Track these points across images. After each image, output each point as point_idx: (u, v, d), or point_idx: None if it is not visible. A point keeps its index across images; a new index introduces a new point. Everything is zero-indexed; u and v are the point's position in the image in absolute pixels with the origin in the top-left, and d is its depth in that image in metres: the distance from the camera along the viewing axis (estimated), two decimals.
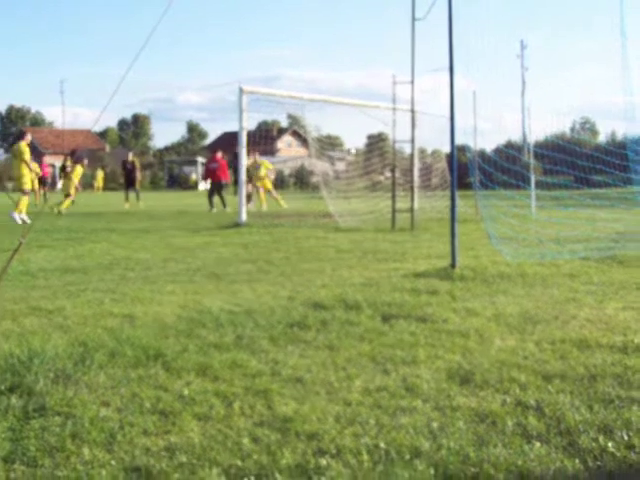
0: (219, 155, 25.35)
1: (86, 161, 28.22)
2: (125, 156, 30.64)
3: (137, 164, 29.92)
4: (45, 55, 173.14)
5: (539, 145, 20.43)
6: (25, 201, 18.19)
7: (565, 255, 9.88)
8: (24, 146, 18.81)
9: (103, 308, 6.67)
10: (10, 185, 62.70)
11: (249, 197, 23.15)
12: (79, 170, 23.56)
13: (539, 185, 18.12)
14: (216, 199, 24.15)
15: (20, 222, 17.45)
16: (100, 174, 57.73)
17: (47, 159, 54.95)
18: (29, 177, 18.68)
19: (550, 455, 3.23)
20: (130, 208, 26.42)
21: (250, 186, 23.94)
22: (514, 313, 6.22)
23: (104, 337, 5.32)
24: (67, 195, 22.87)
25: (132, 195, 28.79)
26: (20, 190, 18.14)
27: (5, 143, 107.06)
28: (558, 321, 5.94)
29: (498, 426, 3.58)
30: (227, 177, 25.18)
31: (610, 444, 3.32)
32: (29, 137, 19.99)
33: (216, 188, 24.37)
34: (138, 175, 29.79)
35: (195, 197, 29.08)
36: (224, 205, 23.79)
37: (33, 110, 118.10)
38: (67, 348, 4.95)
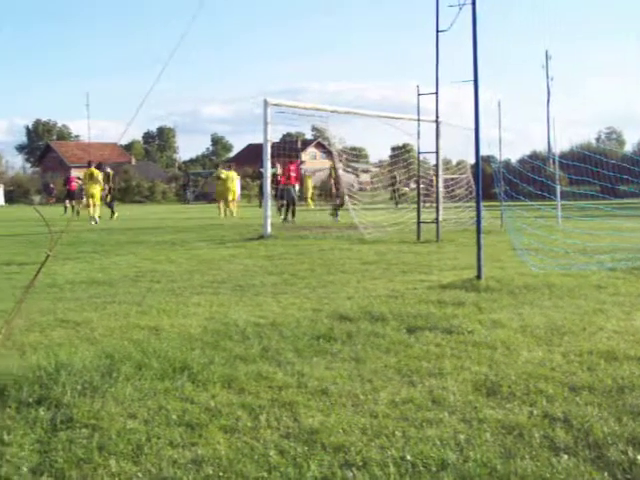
0: (294, 165, 23.90)
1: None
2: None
3: (111, 175, 28.23)
4: (71, 68, 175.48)
5: (564, 155, 20.34)
6: None
7: (592, 266, 9.80)
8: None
9: (129, 320, 6.71)
10: (37, 198, 63.45)
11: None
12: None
13: (565, 195, 18.01)
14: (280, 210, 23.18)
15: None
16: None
17: (74, 172, 55.55)
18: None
19: (578, 468, 3.20)
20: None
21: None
22: (541, 324, 6.17)
23: (130, 349, 5.34)
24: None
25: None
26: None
27: (32, 157, 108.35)
28: (585, 332, 5.89)
29: (525, 438, 3.55)
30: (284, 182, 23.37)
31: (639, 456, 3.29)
32: None
33: (285, 194, 23.14)
34: (108, 187, 27.74)
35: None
36: (291, 215, 22.99)
37: (59, 124, 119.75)
38: (94, 360, 4.98)
